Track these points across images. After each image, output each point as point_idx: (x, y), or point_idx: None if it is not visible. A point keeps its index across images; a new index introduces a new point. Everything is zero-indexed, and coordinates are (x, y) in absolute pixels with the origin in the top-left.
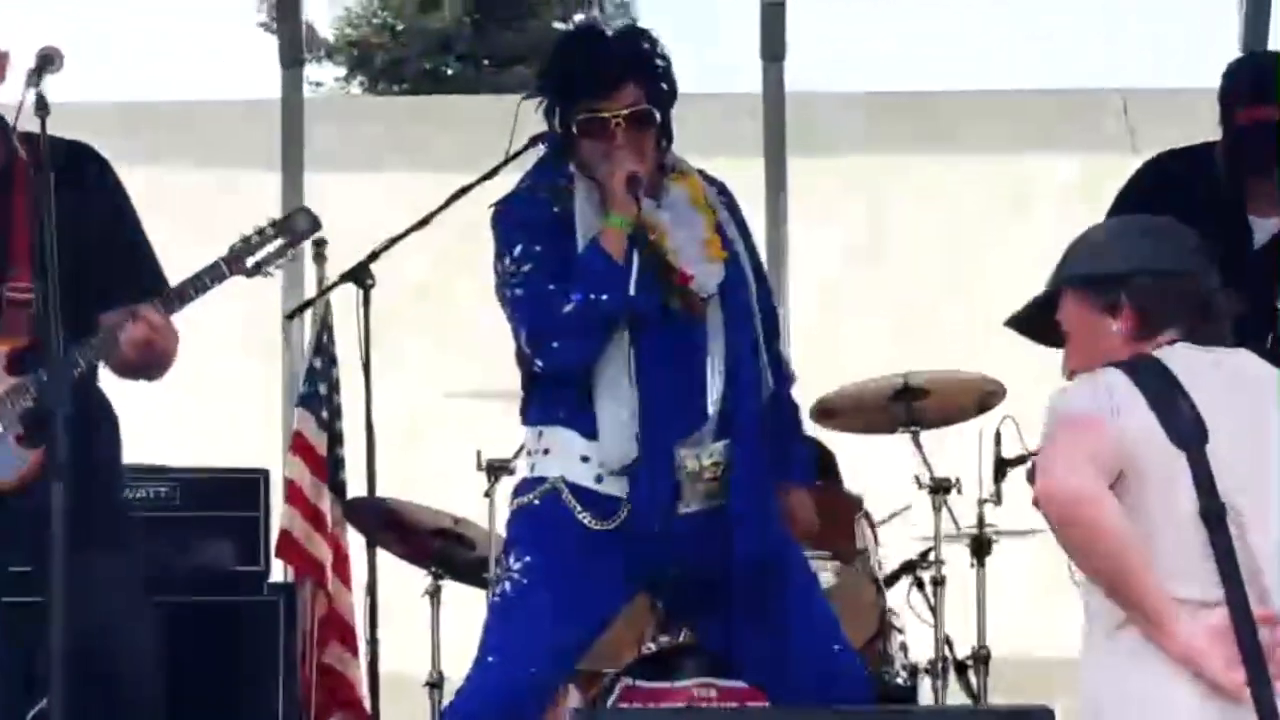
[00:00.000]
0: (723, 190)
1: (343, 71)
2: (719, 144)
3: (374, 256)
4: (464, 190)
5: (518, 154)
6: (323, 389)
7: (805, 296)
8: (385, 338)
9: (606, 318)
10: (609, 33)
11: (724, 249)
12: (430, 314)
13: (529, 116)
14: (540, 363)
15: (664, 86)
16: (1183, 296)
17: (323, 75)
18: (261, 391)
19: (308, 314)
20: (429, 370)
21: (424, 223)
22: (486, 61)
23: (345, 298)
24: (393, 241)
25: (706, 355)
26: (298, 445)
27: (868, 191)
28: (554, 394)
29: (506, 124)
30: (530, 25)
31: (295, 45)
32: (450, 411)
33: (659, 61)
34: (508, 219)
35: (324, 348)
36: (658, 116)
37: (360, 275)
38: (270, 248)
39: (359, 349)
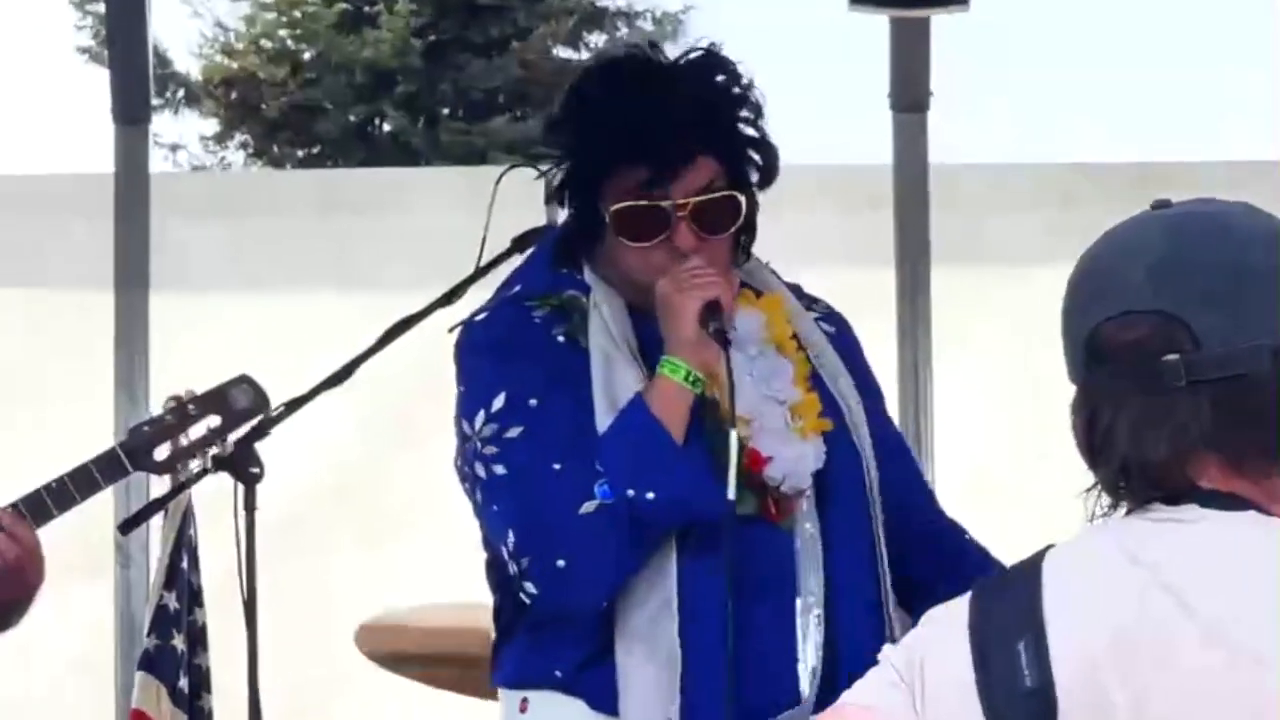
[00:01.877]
0: (829, 315)
1: (214, 127)
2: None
3: (262, 430)
4: (407, 323)
5: (492, 265)
6: (179, 643)
7: (953, 464)
8: (280, 557)
9: (652, 529)
10: (676, 62)
11: (825, 416)
12: (353, 516)
13: (513, 198)
14: (534, 589)
15: (756, 158)
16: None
17: (182, 132)
18: (82, 646)
19: (154, 522)
20: (348, 609)
21: (343, 376)
22: (447, 111)
23: (218, 496)
24: (293, 405)
25: (796, 589)
26: None
27: (1037, 306)
28: (549, 637)
29: (476, 214)
30: (516, 51)
31: (138, 85)
32: (382, 674)
33: (748, 115)
34: (482, 351)
35: (180, 576)
36: (744, 205)
37: (240, 461)
38: (196, 432)
39: (238, 578)
